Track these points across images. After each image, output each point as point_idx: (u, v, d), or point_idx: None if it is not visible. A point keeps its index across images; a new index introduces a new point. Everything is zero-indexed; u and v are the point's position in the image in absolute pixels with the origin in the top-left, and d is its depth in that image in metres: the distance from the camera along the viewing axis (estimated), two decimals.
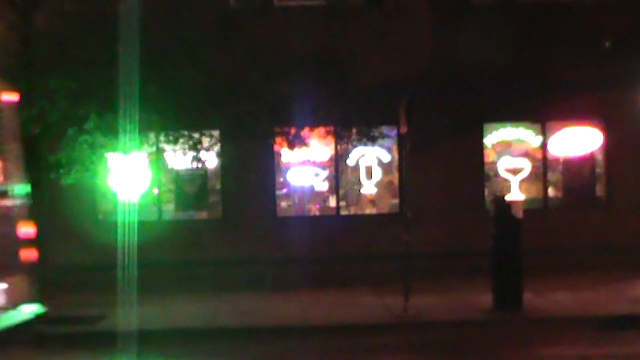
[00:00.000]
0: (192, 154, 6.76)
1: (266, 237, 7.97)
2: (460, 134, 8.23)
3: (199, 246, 7.88)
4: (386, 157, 8.76)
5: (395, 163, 8.73)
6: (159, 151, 7.71)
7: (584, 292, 6.13)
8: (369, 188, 8.89)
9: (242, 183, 7.98)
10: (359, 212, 9.37)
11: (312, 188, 9.20)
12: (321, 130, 7.04)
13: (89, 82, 5.18)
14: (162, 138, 6.94)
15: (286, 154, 7.81)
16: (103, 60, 5.06)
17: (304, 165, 8.77)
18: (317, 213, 8.95)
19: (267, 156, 8.01)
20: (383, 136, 7.53)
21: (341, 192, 8.90)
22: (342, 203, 9.42)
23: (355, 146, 7.47)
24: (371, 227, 8.12)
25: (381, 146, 8.61)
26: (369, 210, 9.53)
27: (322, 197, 9.81)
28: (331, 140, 8.24)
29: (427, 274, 7.62)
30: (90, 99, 5.23)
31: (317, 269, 7.91)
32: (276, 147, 7.66)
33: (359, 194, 9.26)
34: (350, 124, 6.92)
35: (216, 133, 7.12)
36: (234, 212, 8.01)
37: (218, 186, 8.50)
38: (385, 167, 8.97)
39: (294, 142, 6.84)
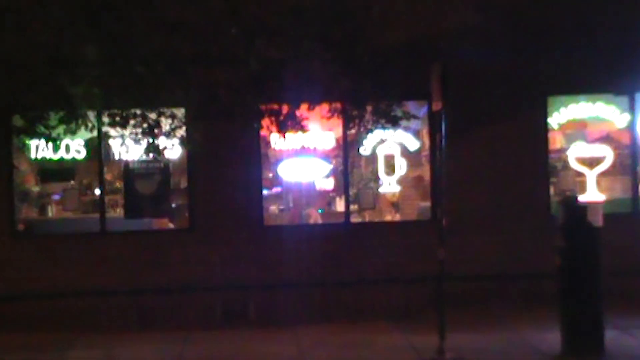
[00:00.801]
0: (147, 141, 6.71)
1: (250, 254, 7.94)
2: (515, 112, 8.14)
3: (157, 267, 7.85)
4: (413, 145, 8.72)
5: (426, 152, 8.71)
6: (102, 137, 7.67)
7: None
8: (389, 186, 8.88)
9: (217, 180, 7.94)
10: (376, 219, 9.50)
11: (312, 187, 9.27)
12: (324, 108, 6.95)
13: None
14: (105, 119, 6.89)
15: (276, 141, 7.76)
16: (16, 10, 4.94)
17: (301, 155, 8.80)
18: (319, 220, 9.00)
19: (250, 144, 7.97)
20: (408, 116, 7.48)
21: (352, 192, 8.91)
22: (354, 207, 9.52)
23: (370, 130, 7.40)
24: (393, 239, 8.08)
25: (406, 129, 8.58)
26: (390, 216, 9.69)
27: (325, 199, 9.97)
28: (338, 122, 8.12)
29: (470, 303, 7.78)
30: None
31: (320, 296, 7.94)
32: (263, 132, 7.60)
33: (376, 195, 9.32)
34: (363, 100, 6.82)
35: (180, 112, 7.03)
36: (205, 219, 7.97)
37: (183, 184, 8.48)
38: (412, 158, 8.98)
39: (287, 124, 6.76)
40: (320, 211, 9.09)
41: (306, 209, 9.07)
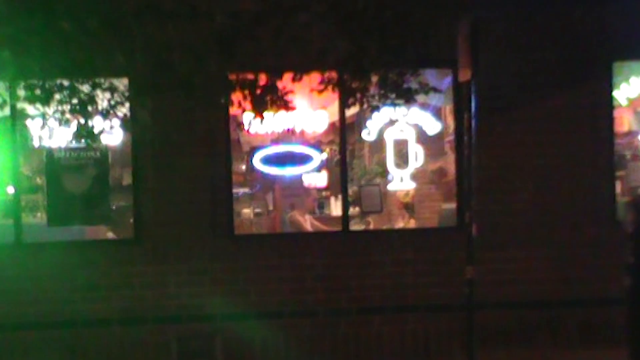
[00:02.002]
0: (77, 121, 6.68)
1: (215, 273, 7.95)
2: (569, 84, 8.16)
3: (91, 291, 7.85)
4: (433, 127, 8.76)
5: (450, 137, 8.78)
6: (15, 117, 7.64)
7: None
8: (401, 183, 8.95)
9: (171, 176, 7.95)
10: (384, 227, 9.70)
11: (297, 184, 9.38)
12: (315, 78, 6.92)
13: None
14: (20, 93, 6.84)
15: (251, 123, 7.75)
16: None
17: (284, 142, 8.92)
18: (308, 228, 9.09)
19: (216, 127, 7.99)
20: (427, 89, 7.45)
21: (351, 190, 8.99)
22: (354, 210, 9.62)
23: (376, 108, 7.33)
24: (406, 253, 8.10)
25: (424, 107, 8.64)
26: (402, 222, 9.82)
27: (316, 200, 10.16)
28: (333, 98, 8.13)
29: (509, 339, 7.86)
30: None
31: (310, 329, 8.00)
32: (233, 111, 7.59)
33: (384, 194, 9.49)
34: (367, 67, 6.79)
35: (122, 84, 6.98)
36: (156, 228, 7.98)
37: (127, 181, 8.47)
38: (432, 145, 9.11)
39: (266, 100, 6.72)
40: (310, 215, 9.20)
41: (290, 213, 9.15)
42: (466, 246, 6.39)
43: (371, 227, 9.51)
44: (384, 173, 9.39)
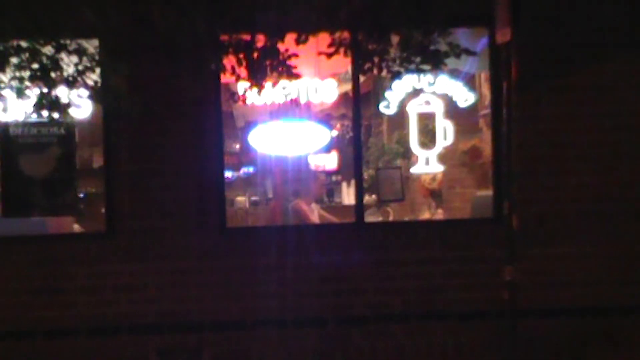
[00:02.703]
0: (39, 91, 6.70)
1: (204, 273, 7.98)
2: (634, 45, 8.11)
3: (55, 295, 7.89)
4: (465, 98, 8.78)
5: (486, 111, 8.87)
6: None
7: None
8: (427, 166, 8.99)
9: (151, 157, 7.99)
10: (407, 218, 9.76)
11: (302, 166, 9.40)
12: (323, 40, 6.90)
13: None
14: None
15: (247, 94, 7.74)
16: None
17: (286, 117, 8.99)
18: (315, 220, 9.16)
19: (204, 98, 8.03)
20: (457, 51, 7.43)
21: (367, 174, 9.25)
22: (370, 198, 9.67)
23: (397, 75, 7.30)
24: (433, 249, 8.13)
25: (454, 74, 8.68)
26: (428, 213, 9.89)
27: (324, 186, 10.21)
28: (345, 63, 8.04)
29: (559, 351, 7.88)
30: None
31: (317, 340, 8.05)
32: (225, 79, 7.61)
33: (406, 179, 9.64)
34: (386, 26, 6.78)
35: (92, 46, 7.01)
36: (132, 219, 8.02)
37: (97, 163, 8.54)
38: (464, 120, 9.25)
39: (264, 66, 6.75)
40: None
41: (293, 202, 9.22)
42: (505, 241, 6.40)
43: (390, 218, 9.55)
44: (406, 154, 9.45)
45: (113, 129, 8.03)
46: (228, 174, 8.66)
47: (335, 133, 9.65)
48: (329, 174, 10.11)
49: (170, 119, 7.96)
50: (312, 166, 9.65)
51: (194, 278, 7.96)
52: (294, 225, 8.94)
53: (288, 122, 8.88)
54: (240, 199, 9.43)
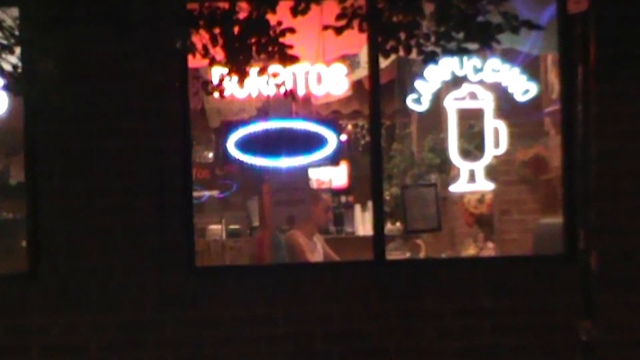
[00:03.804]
0: None
1: (164, 330, 7.99)
2: None
3: None
4: (524, 89, 8.74)
5: (553, 106, 8.92)
6: None
7: None
8: (472, 181, 8.92)
9: (91, 169, 8.05)
10: (443, 254, 9.78)
11: (300, 183, 9.33)
12: (329, 9, 6.89)
13: None
14: None
15: (226, 84, 7.75)
16: None
17: (278, 117, 9.06)
18: (318, 257, 9.17)
19: (165, 87, 8.06)
20: (515, 24, 7.51)
21: (389, 193, 9.17)
22: (393, 226, 9.60)
23: (432, 57, 7.32)
24: (478, 297, 8.14)
25: (509, 56, 8.71)
26: (473, 246, 9.84)
27: (331, 210, 10.13)
28: (359, 40, 8.15)
29: None
30: None
31: None
32: (194, 62, 7.57)
33: (444, 201, 9.64)
34: None
35: (10, 16, 7.01)
36: (66, 255, 8.04)
37: (16, 178, 8.55)
38: (523, 119, 9.26)
39: (248, 45, 6.77)
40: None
41: (288, 232, 9.21)
42: (581, 287, 6.37)
43: (422, 254, 9.52)
44: (444, 166, 9.41)
45: (39, 132, 8.05)
46: (198, 193, 8.59)
47: (345, 137, 9.61)
48: (336, 193, 10.07)
49: (118, 117, 8.00)
50: (314, 183, 9.61)
51: (152, 335, 7.97)
52: (288, 264, 8.94)
53: (281, 122, 8.86)
54: (215, 227, 9.40)
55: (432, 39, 6.63)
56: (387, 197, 8.67)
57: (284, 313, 8.01)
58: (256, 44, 6.72)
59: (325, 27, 6.69)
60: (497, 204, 9.76)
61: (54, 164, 8.00)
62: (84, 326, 7.94)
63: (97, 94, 7.83)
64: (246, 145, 8.78)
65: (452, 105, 8.77)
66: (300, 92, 8.99)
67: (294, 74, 8.85)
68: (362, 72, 8.62)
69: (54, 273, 7.97)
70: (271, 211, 9.35)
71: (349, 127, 9.94)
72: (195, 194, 8.38)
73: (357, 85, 9.33)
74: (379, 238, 8.28)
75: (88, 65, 7.62)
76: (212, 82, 7.23)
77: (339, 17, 6.57)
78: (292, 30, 6.53)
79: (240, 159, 8.84)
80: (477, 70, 8.58)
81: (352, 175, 10.00)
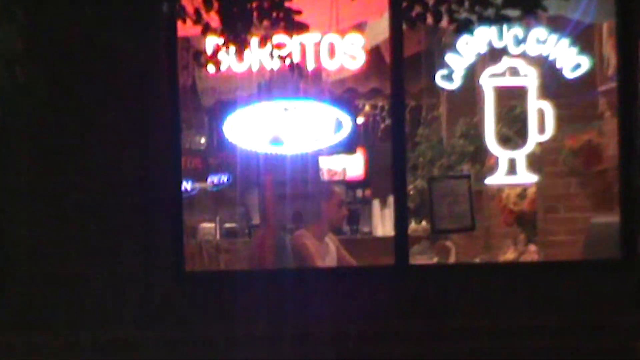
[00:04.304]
0: None
1: (147, 350, 7.97)
2: None
3: None
4: (573, 64, 8.71)
5: (609, 84, 8.91)
6: None
7: None
8: (512, 172, 8.89)
9: (63, 163, 8.03)
10: (479, 260, 9.79)
11: (309, 174, 9.34)
12: None
13: None
14: None
15: (220, 55, 7.71)
16: None
17: (282, 96, 9.10)
18: (330, 262, 9.19)
19: (148, 61, 8.01)
20: None
21: (414, 186, 9.20)
22: (418, 225, 9.55)
23: (465, 26, 7.29)
24: (521, 309, 8.09)
25: (557, 25, 8.70)
26: (513, 249, 9.83)
27: (345, 206, 10.15)
28: (379, 5, 8.20)
29: None
30: None
31: None
32: (183, 29, 7.62)
33: (479, 196, 9.66)
34: None
35: None
36: (31, 263, 8.01)
37: None
38: (572, 99, 9.28)
39: (248, 10, 6.71)
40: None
41: (295, 232, 9.24)
42: None
43: (452, 259, 9.50)
44: (479, 154, 9.40)
45: (3, 120, 7.97)
46: (188, 185, 8.54)
47: (362, 120, 9.52)
48: (352, 186, 10.02)
49: (95, 100, 7.98)
50: (325, 174, 9.56)
51: (133, 357, 7.92)
52: (294, 269, 8.90)
53: (286, 102, 8.83)
54: (208, 226, 9.35)
55: (466, 4, 6.59)
56: (411, 191, 8.62)
57: (290, 330, 7.98)
58: (258, 8, 6.70)
59: None
60: (541, 200, 9.72)
61: (18, 157, 8.00)
62: (53, 346, 7.91)
63: (69, 71, 7.80)
64: (245, 129, 8.74)
65: (489, 82, 8.77)
66: (309, 66, 8.99)
67: (302, 45, 8.87)
68: (383, 43, 8.53)
69: (17, 284, 7.97)
70: (274, 207, 9.35)
71: (367, 108, 9.86)
72: (185, 186, 8.27)
73: (376, 59, 9.29)
74: (402, 239, 8.22)
75: (58, 36, 7.56)
76: (205, 54, 7.20)
77: None
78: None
79: (238, 145, 8.83)
80: (519, 42, 8.56)
81: (370, 166, 9.98)
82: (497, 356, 7.98)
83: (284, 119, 8.81)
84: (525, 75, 8.70)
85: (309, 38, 8.67)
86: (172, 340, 7.96)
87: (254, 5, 6.65)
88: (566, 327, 7.97)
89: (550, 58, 8.60)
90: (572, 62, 8.58)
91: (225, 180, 9.69)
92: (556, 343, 7.98)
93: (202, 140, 9.41)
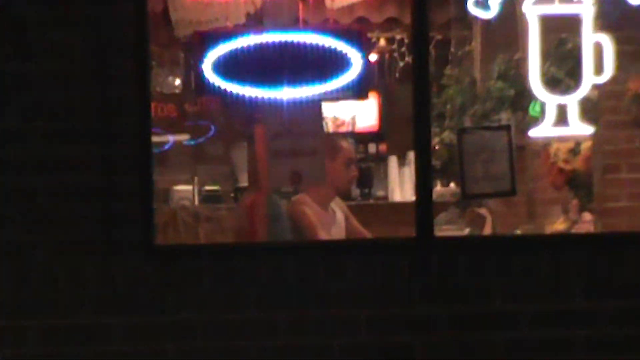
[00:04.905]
0: None
1: (109, 341, 8.04)
2: None
3: None
4: None
5: None
6: None
7: None
8: (562, 122, 8.88)
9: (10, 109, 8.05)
10: (520, 231, 9.80)
11: (310, 126, 9.32)
12: None
13: None
14: None
15: None
16: None
17: (274, 27, 9.05)
18: (338, 234, 9.23)
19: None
20: None
21: (439, 139, 9.28)
22: (445, 188, 9.54)
23: None
24: (574, 292, 8.13)
25: None
26: (563, 220, 9.82)
27: (355, 165, 10.27)
28: None
29: None
30: None
31: None
32: None
33: (521, 152, 9.77)
34: None
35: None
36: None
37: None
38: (632, 36, 9.48)
39: None
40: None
41: (294, 197, 9.36)
42: None
43: (487, 230, 9.55)
44: (520, 100, 9.43)
45: None
46: (159, 138, 8.55)
47: (375, 58, 9.51)
48: (363, 139, 10.03)
49: (40, 26, 8.01)
50: (330, 124, 9.56)
51: (93, 349, 7.99)
52: (291, 243, 8.92)
53: (281, 34, 8.82)
54: (184, 188, 9.36)
55: None
56: (437, 146, 8.59)
57: (287, 317, 8.05)
58: None
59: None
60: (598, 157, 9.71)
61: None
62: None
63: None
64: (231, 68, 8.77)
65: (534, 11, 8.73)
66: None
67: None
68: None
69: None
70: (267, 165, 9.29)
71: (382, 42, 9.82)
72: (155, 139, 8.29)
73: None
74: (425, 206, 8.22)
75: None
76: None
77: None
78: None
79: (222, 88, 8.82)
80: None
81: (385, 114, 9.93)
82: (543, 348, 8.05)
83: (279, 56, 8.79)
84: (580, 2, 8.68)
85: None
86: (140, 328, 8.03)
87: None
88: (627, 312, 8.04)
89: None
90: None
91: (206, 132, 9.63)
92: (616, 331, 8.03)
93: (177, 82, 9.37)
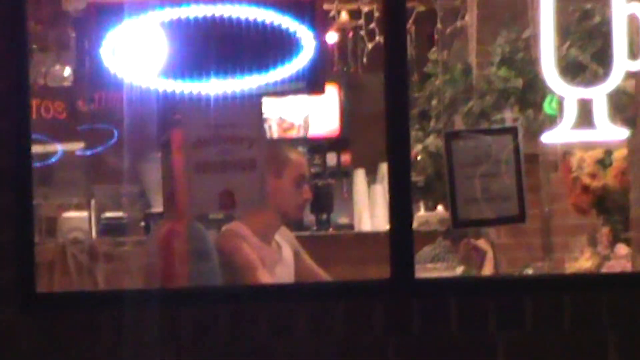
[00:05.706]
0: None
1: None
2: None
3: None
4: None
5: None
6: None
7: None
8: (583, 124, 8.88)
9: None
10: (533, 271, 9.72)
11: (250, 125, 9.33)
12: None
13: None
14: None
15: None
16: None
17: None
18: (285, 276, 9.23)
19: None
20: None
21: (420, 147, 9.32)
22: (429, 213, 9.62)
23: None
24: (601, 346, 8.10)
25: None
26: (587, 254, 9.79)
27: (310, 184, 10.31)
28: None
29: None
30: None
31: None
32: None
33: (531, 162, 9.77)
34: None
35: None
36: None
37: None
38: None
39: None
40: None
41: (224, 226, 9.29)
42: None
43: (487, 269, 9.53)
44: (530, 93, 9.45)
45: None
46: (43, 147, 8.53)
47: (334, 37, 9.54)
48: (319, 148, 10.05)
49: None
50: (274, 128, 9.59)
51: None
52: (225, 289, 8.93)
53: (211, 7, 8.79)
54: (76, 215, 9.34)
55: None
56: (419, 156, 8.61)
57: None
58: None
59: None
60: (636, 170, 9.68)
61: None
62: None
63: None
64: (139, 53, 8.73)
65: None
66: None
67: None
68: None
69: None
70: (189, 184, 9.27)
71: (343, 17, 9.85)
72: (36, 148, 8.24)
73: None
74: (403, 237, 8.27)
75: None
76: None
77: None
78: None
79: (127, 79, 8.79)
80: None
81: (349, 114, 9.96)
82: None
83: (205, 36, 8.79)
84: None
85: None
86: None
87: None
88: None
89: None
90: None
91: (106, 139, 9.62)
92: None
93: (67, 72, 9.33)
